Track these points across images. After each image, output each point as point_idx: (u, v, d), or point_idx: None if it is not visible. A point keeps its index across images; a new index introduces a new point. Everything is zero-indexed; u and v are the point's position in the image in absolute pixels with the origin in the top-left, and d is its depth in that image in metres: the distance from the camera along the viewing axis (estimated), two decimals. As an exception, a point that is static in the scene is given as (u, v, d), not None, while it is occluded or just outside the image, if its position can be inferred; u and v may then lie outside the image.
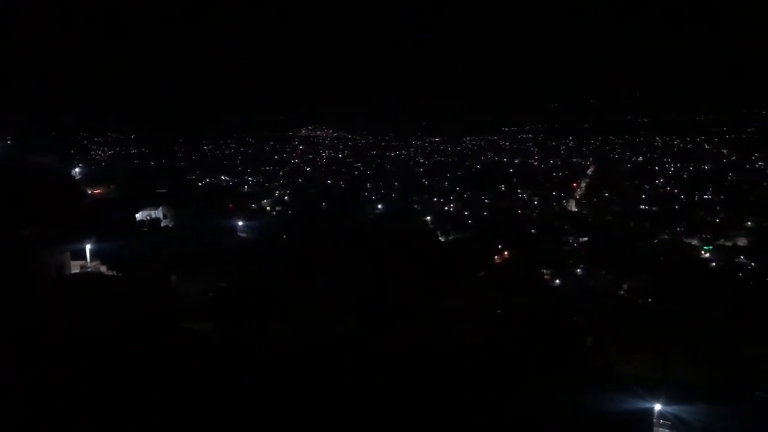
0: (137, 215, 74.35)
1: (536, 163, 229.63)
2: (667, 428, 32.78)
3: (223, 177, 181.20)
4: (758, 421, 32.26)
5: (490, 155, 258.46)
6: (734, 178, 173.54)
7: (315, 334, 35.99)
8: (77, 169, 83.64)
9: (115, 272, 46.90)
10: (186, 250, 58.65)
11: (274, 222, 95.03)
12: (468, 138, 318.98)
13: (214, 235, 67.77)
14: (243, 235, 74.88)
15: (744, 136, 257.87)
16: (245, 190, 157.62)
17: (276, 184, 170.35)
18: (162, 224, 73.55)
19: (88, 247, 46.66)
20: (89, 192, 73.86)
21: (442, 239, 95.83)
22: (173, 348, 31.40)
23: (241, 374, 28.22)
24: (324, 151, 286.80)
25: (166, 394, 25.09)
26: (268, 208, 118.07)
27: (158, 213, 75.43)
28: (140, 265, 51.30)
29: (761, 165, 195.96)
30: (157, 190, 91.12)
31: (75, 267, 45.48)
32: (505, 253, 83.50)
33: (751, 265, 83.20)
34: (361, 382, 28.78)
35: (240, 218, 79.60)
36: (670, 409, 32.60)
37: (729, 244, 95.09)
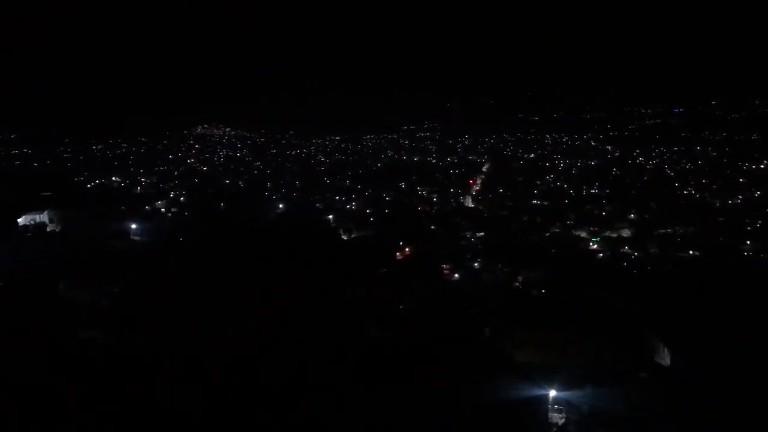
0: (20, 220, 70.41)
1: (434, 160, 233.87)
2: (560, 413, 34.31)
3: (114, 178, 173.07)
4: (643, 400, 34.32)
5: (390, 153, 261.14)
6: (618, 172, 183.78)
7: (214, 337, 35.10)
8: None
9: (-6, 281, 43.93)
10: (75, 255, 55.89)
11: (169, 224, 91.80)
12: (368, 136, 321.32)
13: (105, 240, 64.98)
14: (136, 238, 72.18)
15: (626, 133, 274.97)
16: (138, 191, 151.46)
17: (171, 184, 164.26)
18: (48, 229, 70.07)
19: (-38, 255, 43.45)
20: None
21: (344, 237, 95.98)
22: (63, 358, 29.81)
23: (137, 381, 27.11)
24: (221, 150, 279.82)
25: (59, 406, 23.81)
26: (163, 209, 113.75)
27: (43, 217, 71.86)
28: (24, 273, 48.36)
29: (641, 160, 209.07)
30: (42, 194, 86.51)
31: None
32: (407, 249, 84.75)
33: (634, 255, 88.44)
34: (262, 382, 28.32)
35: (133, 221, 76.69)
36: (563, 394, 34.15)
37: (614, 235, 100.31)
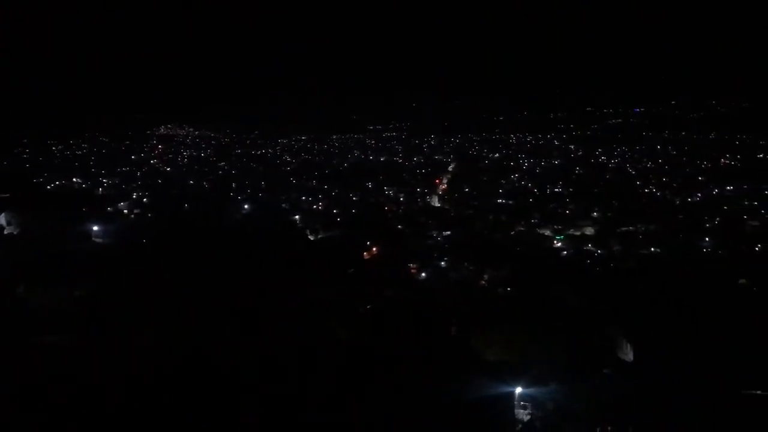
0: (-26, 223, 68.57)
1: (401, 160, 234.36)
2: (526, 410, 34.62)
3: (74, 179, 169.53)
4: (607, 396, 34.84)
5: (356, 153, 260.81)
6: (581, 171, 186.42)
7: (179, 339, 34.57)
8: None
9: (-52, 286, 42.61)
10: (34, 258, 54.69)
11: (132, 225, 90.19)
12: (335, 136, 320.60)
13: (66, 242, 63.66)
14: (98, 240, 70.85)
15: (589, 133, 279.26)
16: (100, 192, 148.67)
17: (134, 185, 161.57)
18: (5, 232, 68.47)
19: None
20: None
21: (311, 238, 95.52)
22: (24, 363, 29.09)
23: (102, 385, 26.58)
24: (185, 150, 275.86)
25: (22, 411, 23.22)
26: (125, 211, 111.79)
27: (0, 220, 70.19)
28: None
29: (603, 159, 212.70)
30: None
31: None
32: (374, 249, 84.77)
33: (597, 252, 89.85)
34: (229, 384, 27.97)
35: (95, 223, 75.24)
36: (529, 391, 34.47)
37: (578, 233, 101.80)
